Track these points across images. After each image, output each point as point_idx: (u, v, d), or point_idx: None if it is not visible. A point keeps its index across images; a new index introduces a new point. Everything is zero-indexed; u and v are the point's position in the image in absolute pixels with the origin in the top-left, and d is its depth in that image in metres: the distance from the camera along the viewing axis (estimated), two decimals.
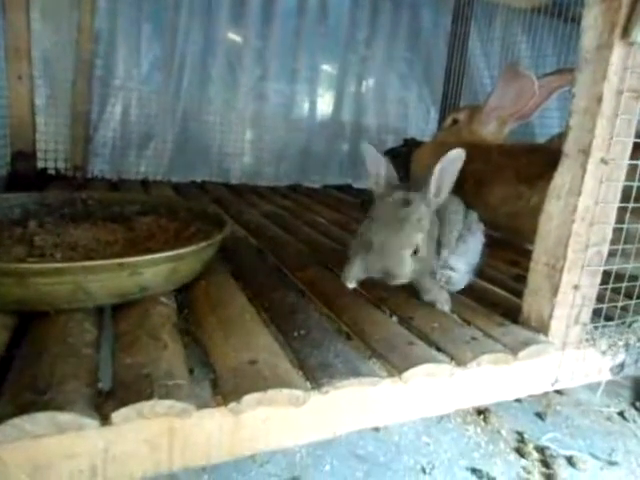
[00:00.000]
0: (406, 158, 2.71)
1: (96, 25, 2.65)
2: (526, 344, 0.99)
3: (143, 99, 2.89)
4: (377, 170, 1.17)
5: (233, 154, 3.20)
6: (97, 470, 0.65)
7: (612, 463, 1.36)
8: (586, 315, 1.05)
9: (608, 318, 1.12)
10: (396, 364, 0.87)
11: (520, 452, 1.38)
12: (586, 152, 0.95)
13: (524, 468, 1.32)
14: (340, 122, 3.56)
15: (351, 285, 1.18)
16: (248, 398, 0.71)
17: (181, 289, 1.12)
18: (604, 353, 1.10)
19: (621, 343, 1.11)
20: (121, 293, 0.93)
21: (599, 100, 0.93)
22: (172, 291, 1.08)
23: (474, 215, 1.34)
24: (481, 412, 1.55)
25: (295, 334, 0.95)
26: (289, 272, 1.37)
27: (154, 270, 0.94)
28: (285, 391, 0.73)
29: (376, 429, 1.37)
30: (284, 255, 1.50)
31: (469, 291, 1.31)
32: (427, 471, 1.24)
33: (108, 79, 2.78)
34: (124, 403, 0.65)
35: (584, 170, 0.95)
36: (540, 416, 1.57)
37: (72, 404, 0.63)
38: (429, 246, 1.12)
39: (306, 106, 3.43)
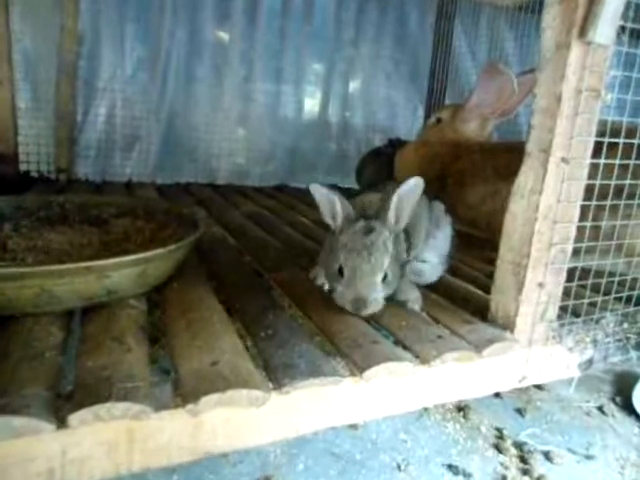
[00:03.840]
0: (391, 158, 2.73)
1: (79, 26, 2.64)
2: (491, 342, 1.00)
3: (128, 100, 2.89)
4: (332, 208, 1.13)
5: (220, 155, 3.20)
6: (55, 473, 0.66)
7: (589, 457, 1.38)
8: (552, 312, 1.07)
9: (576, 315, 1.14)
10: (358, 363, 0.88)
11: (498, 448, 1.39)
12: (547, 151, 0.96)
13: (501, 464, 1.33)
14: (327, 122, 3.57)
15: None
16: (206, 399, 0.72)
17: (156, 290, 1.13)
18: (571, 350, 1.11)
19: (588, 339, 1.12)
20: (89, 296, 0.94)
21: (559, 99, 0.94)
22: (145, 293, 1.09)
23: (440, 207, 1.35)
24: (461, 409, 1.56)
25: (262, 334, 0.96)
26: (265, 273, 1.38)
27: (122, 273, 0.94)
28: (244, 392, 0.74)
29: (354, 427, 1.38)
30: (262, 256, 1.51)
31: (442, 289, 1.32)
32: (402, 468, 1.25)
33: (92, 81, 2.78)
34: (81, 406, 0.66)
35: (545, 169, 0.96)
36: (520, 412, 1.58)
37: (28, 408, 0.64)
38: (394, 268, 1.10)
39: (293, 106, 3.44)
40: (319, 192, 1.12)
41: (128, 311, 0.97)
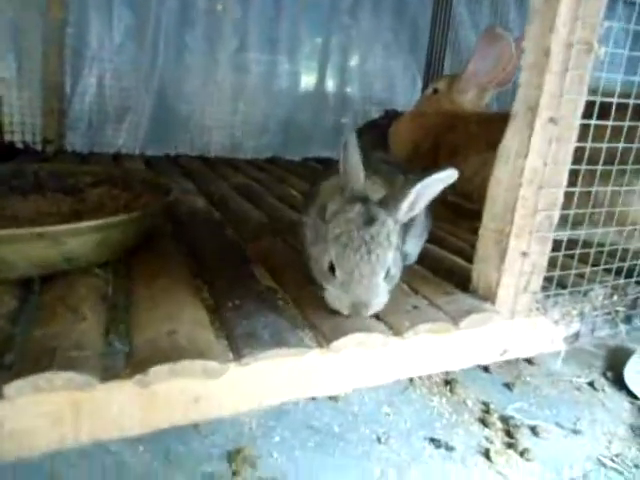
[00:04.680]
0: (386, 129, 2.66)
1: None
2: (469, 313, 0.95)
3: (118, 70, 2.80)
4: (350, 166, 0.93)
5: (212, 127, 3.11)
6: None
7: (576, 432, 1.35)
8: (536, 283, 1.02)
9: (563, 286, 1.08)
10: (326, 334, 0.84)
11: (484, 422, 1.37)
12: (533, 110, 0.89)
13: (486, 438, 1.31)
14: (323, 93, 3.46)
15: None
16: (156, 370, 0.68)
17: (125, 259, 1.08)
18: (557, 322, 1.07)
19: (575, 312, 1.07)
20: (45, 264, 0.90)
21: (547, 54, 0.87)
22: (111, 262, 1.05)
23: None
24: (448, 382, 1.53)
25: (230, 305, 0.92)
26: (243, 244, 1.33)
27: (79, 240, 0.90)
28: (199, 362, 0.70)
29: (334, 399, 1.35)
30: (242, 227, 1.46)
31: (426, 260, 1.27)
32: (382, 440, 1.23)
33: (81, 49, 2.69)
34: (18, 375, 0.62)
35: (531, 130, 0.90)
36: (508, 386, 1.55)
37: None
38: (397, 258, 0.93)
39: (288, 77, 3.33)
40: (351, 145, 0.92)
41: (90, 280, 0.93)
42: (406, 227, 1.04)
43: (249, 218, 1.56)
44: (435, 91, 2.48)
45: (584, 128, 0.96)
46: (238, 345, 0.78)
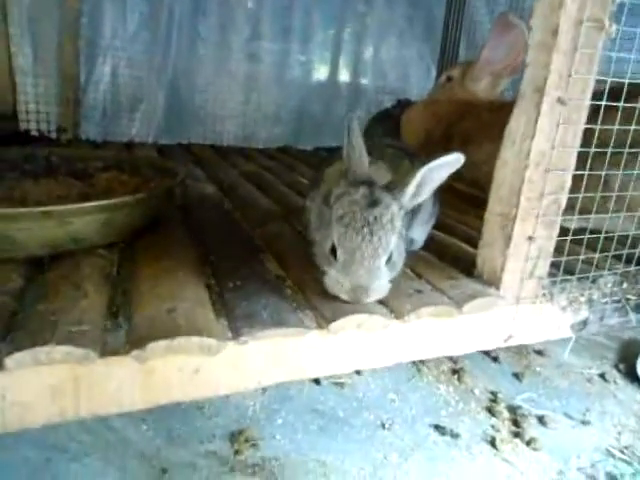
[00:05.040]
0: (399, 119, 2.63)
1: None
2: (472, 297, 0.94)
3: (131, 60, 2.82)
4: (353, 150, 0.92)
5: (225, 117, 3.12)
6: None
7: (585, 423, 1.33)
8: (543, 269, 1.00)
9: (570, 273, 1.06)
10: (326, 315, 0.83)
11: (491, 411, 1.36)
12: (541, 91, 0.87)
13: (492, 426, 1.30)
14: (336, 83, 3.44)
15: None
16: (154, 345, 0.69)
17: (130, 241, 1.10)
18: (564, 309, 1.05)
19: (583, 299, 1.05)
20: (53, 244, 0.91)
21: (555, 32, 0.84)
22: (116, 243, 1.06)
23: None
24: (456, 371, 1.52)
25: (231, 285, 0.92)
26: (250, 228, 1.34)
27: (85, 220, 0.91)
28: (196, 339, 0.71)
29: (340, 385, 1.35)
30: (250, 212, 1.46)
31: (433, 246, 1.26)
32: (386, 426, 1.23)
33: (95, 39, 2.71)
34: (19, 348, 0.63)
35: (538, 111, 0.88)
36: (517, 377, 1.54)
37: None
38: (401, 245, 0.92)
39: (301, 67, 3.32)
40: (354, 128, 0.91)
41: (95, 260, 0.94)
42: (413, 213, 1.04)
43: (257, 204, 1.57)
44: (449, 79, 2.45)
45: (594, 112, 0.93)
46: (237, 324, 0.78)
